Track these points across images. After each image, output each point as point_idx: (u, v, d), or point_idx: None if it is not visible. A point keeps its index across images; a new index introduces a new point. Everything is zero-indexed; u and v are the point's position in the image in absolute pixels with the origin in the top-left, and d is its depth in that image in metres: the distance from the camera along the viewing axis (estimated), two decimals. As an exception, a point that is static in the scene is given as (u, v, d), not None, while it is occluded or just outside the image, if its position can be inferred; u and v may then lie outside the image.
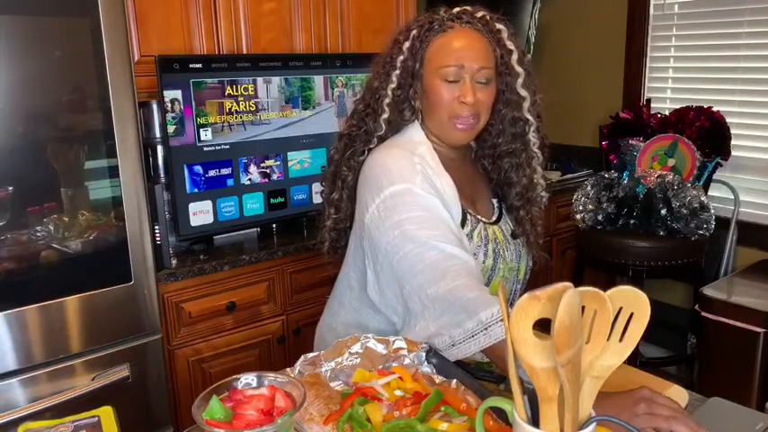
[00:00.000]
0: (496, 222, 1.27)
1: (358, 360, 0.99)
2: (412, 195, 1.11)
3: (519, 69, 1.19)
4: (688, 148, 2.50)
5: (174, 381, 1.88)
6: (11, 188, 1.47)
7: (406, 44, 1.19)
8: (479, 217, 1.22)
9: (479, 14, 1.19)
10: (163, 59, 1.88)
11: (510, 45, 1.18)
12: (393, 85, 1.20)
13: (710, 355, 2.33)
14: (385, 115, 1.21)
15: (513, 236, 1.28)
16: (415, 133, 1.22)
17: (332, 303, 1.37)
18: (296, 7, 2.22)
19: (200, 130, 1.97)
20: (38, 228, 1.52)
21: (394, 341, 1.00)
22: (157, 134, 1.98)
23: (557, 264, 2.94)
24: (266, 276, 2.02)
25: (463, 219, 1.18)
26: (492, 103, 1.19)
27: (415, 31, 1.19)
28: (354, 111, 1.29)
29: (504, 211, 1.30)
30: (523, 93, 1.19)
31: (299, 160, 2.22)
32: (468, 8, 1.21)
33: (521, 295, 0.93)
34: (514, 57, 1.18)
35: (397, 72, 1.20)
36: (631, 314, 0.66)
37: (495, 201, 1.31)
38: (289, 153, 2.18)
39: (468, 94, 1.14)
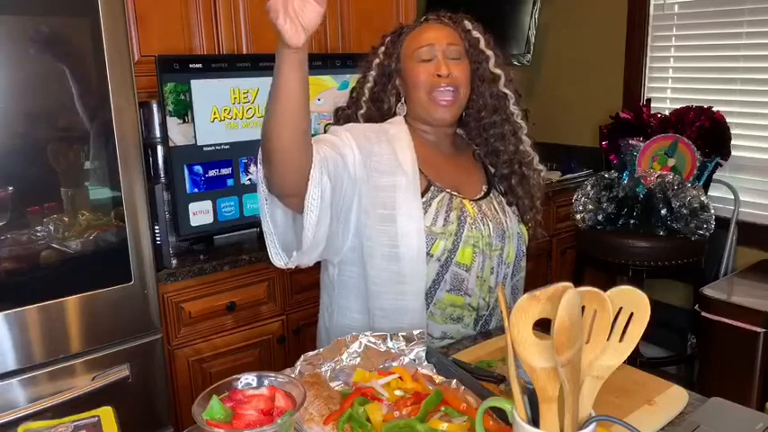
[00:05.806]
0: (476, 201, 1.29)
1: (358, 360, 0.99)
2: (342, 128, 1.22)
3: (489, 52, 1.29)
4: (688, 148, 2.50)
5: (174, 381, 1.88)
6: (11, 188, 1.47)
7: (381, 49, 1.33)
8: (449, 190, 1.26)
9: (444, 15, 1.33)
10: (163, 59, 1.88)
11: (475, 33, 1.30)
12: (370, 84, 1.32)
13: (710, 355, 2.33)
14: (361, 111, 1.32)
15: (509, 203, 1.34)
16: (394, 122, 1.29)
17: (323, 308, 1.38)
18: (296, 7, 2.22)
19: (201, 130, 1.97)
20: (38, 228, 1.52)
21: (392, 337, 1.01)
22: (157, 134, 1.98)
23: (557, 264, 2.94)
24: (266, 276, 2.02)
25: (426, 188, 1.24)
26: (468, 78, 1.28)
27: (388, 38, 1.34)
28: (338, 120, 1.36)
29: (491, 195, 1.32)
30: (497, 71, 1.30)
31: (299, 160, 2.21)
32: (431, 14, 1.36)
33: (524, 291, 0.93)
34: (482, 42, 1.29)
35: (373, 73, 1.32)
36: (631, 314, 0.66)
37: (485, 187, 1.34)
38: (289, 153, 2.18)
39: (441, 67, 1.23)
